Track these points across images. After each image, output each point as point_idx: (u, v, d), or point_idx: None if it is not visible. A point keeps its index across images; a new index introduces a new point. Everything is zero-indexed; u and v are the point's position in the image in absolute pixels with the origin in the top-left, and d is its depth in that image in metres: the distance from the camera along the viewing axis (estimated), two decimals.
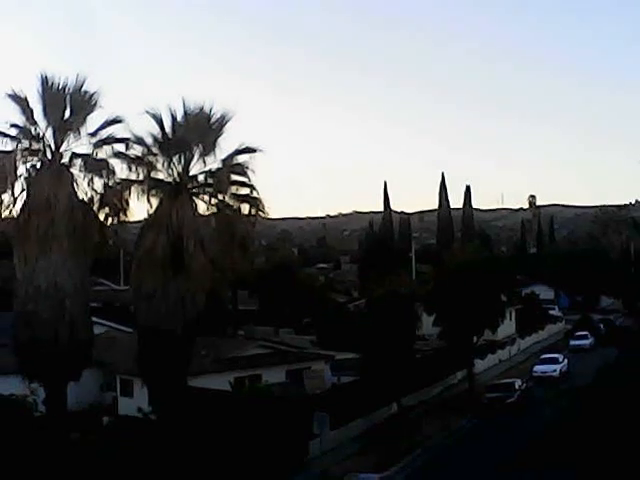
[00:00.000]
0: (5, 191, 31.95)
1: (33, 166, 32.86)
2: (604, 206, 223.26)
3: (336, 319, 65.30)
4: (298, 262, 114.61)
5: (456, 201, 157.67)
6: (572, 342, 78.43)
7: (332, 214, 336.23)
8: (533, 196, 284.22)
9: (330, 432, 38.28)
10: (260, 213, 34.64)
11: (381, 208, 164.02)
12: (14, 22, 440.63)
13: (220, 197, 33.73)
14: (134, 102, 35.94)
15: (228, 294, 65.79)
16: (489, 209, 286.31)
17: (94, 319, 44.43)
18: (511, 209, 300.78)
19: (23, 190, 32.23)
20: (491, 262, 68.02)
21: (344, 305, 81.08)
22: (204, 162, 33.58)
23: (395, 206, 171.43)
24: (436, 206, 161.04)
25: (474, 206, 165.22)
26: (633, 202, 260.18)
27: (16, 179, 32.16)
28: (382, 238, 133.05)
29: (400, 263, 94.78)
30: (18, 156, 32.28)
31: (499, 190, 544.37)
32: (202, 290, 33.36)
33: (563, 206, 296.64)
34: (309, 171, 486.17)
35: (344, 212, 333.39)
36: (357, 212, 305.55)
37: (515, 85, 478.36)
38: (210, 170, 33.57)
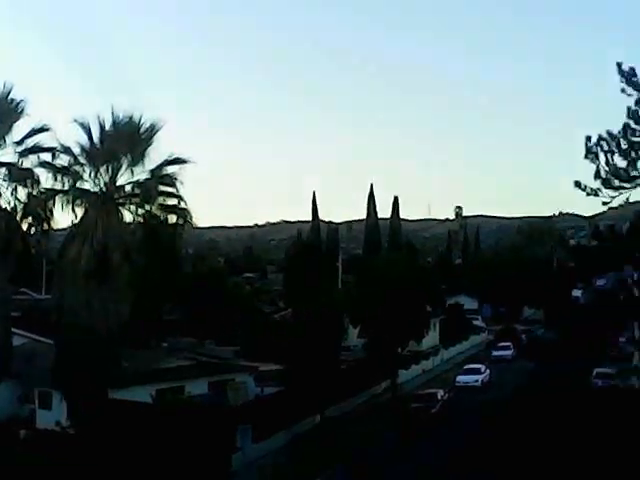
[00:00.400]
0: None
1: None
2: (529, 217, 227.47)
3: (261, 329, 65.27)
4: (225, 271, 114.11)
5: (384, 211, 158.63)
6: (494, 353, 79.46)
7: (260, 223, 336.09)
8: (459, 207, 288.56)
9: (253, 445, 38.23)
10: (188, 224, 34.54)
11: (309, 217, 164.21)
12: None
13: (147, 208, 33.51)
14: (62, 111, 35.68)
15: (153, 304, 65.20)
16: (416, 219, 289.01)
17: (14, 330, 43.63)
18: (438, 219, 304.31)
19: None
20: (416, 273, 68.70)
21: (270, 315, 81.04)
22: (132, 172, 33.37)
23: (323, 216, 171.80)
24: (364, 216, 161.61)
25: (402, 216, 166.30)
26: (557, 214, 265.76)
27: None
28: (309, 248, 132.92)
29: (327, 273, 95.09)
30: None
31: (427, 201, 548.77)
32: (126, 301, 33.10)
33: (489, 217, 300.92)
34: (237, 180, 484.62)
35: (272, 221, 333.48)
36: (285, 221, 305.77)
37: (444, 98, 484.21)
38: (138, 180, 33.34)
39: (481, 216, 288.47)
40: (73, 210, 32.75)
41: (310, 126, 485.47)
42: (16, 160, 32.95)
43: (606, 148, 30.86)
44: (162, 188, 33.65)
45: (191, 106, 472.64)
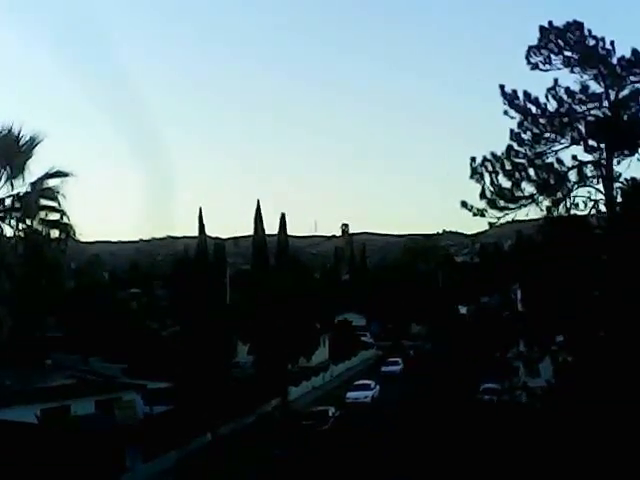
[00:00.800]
0: None
1: None
2: (413, 235, 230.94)
3: (149, 346, 63.97)
4: (110, 287, 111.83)
5: (271, 227, 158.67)
6: (383, 368, 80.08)
7: (145, 238, 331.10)
8: (346, 224, 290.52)
9: (143, 465, 37.19)
10: (71, 238, 33.51)
11: (196, 233, 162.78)
12: None
13: (28, 222, 32.34)
14: None
15: (36, 320, 63.15)
16: (303, 236, 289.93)
17: None
18: (325, 236, 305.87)
19: None
20: (304, 289, 68.68)
21: (157, 332, 79.54)
22: (12, 185, 32.17)
23: (210, 231, 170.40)
24: (251, 232, 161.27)
25: (289, 233, 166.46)
26: (440, 232, 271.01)
27: None
28: (196, 263, 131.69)
29: (215, 289, 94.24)
30: None
31: (313, 217, 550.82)
32: (6, 317, 31.79)
33: (375, 234, 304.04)
34: (122, 194, 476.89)
35: (158, 236, 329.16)
36: (171, 237, 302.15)
37: (328, 115, 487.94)
38: (18, 194, 32.15)
39: (367, 233, 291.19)
40: None
41: (196, 142, 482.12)
42: None
43: (490, 169, 31.34)
44: (44, 202, 32.62)
45: (76, 119, 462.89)
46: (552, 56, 32.16)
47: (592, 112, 31.77)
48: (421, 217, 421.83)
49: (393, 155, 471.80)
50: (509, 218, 32.58)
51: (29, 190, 32.47)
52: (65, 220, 33.05)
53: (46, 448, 33.78)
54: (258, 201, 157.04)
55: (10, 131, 32.02)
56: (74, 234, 33.34)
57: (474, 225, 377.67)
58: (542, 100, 31.87)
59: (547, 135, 32.02)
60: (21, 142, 32.14)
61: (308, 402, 61.59)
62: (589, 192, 31.55)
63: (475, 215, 31.55)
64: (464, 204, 31.56)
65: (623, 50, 31.91)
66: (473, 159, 31.46)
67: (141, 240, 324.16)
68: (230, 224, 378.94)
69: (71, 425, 37.79)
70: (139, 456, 36.99)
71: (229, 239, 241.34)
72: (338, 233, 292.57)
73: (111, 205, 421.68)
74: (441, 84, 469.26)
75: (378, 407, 59.43)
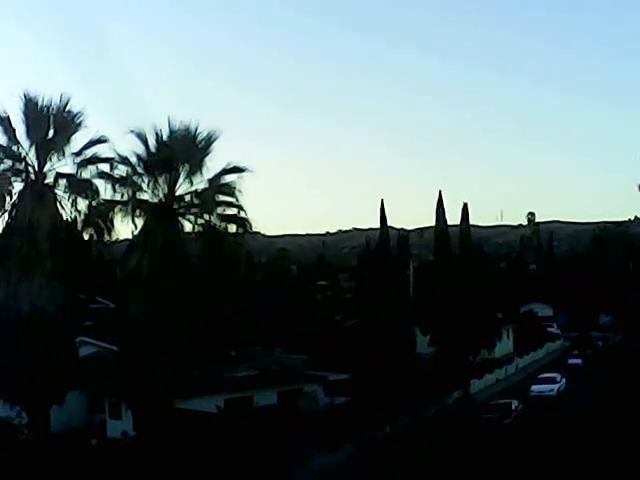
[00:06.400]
0: None
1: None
2: (603, 223, 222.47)
3: (331, 338, 64.70)
4: (297, 279, 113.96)
5: (456, 217, 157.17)
6: (570, 360, 77.76)
7: (332, 231, 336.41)
8: (532, 213, 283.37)
9: (319, 455, 37.55)
10: (248, 233, 34.26)
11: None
12: None
13: (206, 217, 33.30)
14: (121, 120, 35.59)
15: (220, 313, 65.06)
16: (488, 225, 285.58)
17: (85, 339, 43.69)
18: (510, 225, 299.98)
19: (5, 211, 31.90)
20: (487, 280, 67.52)
21: (340, 323, 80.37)
22: (190, 182, 33.22)
23: (395, 223, 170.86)
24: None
25: (474, 223, 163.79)
26: (632, 219, 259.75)
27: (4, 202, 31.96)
28: (379, 255, 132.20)
29: (397, 281, 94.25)
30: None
31: (498, 207, 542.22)
32: (190, 310, 32.90)
33: (562, 223, 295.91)
34: (309, 188, 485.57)
35: (343, 229, 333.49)
36: (356, 229, 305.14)
37: (513, 101, 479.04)
38: (196, 190, 33.14)
39: (554, 222, 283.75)
40: (133, 221, 32.77)
41: (379, 133, 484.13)
42: (75, 171, 33.05)
43: None
44: (221, 197, 33.48)
45: (258, 116, 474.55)
46: None
47: None
48: (612, 204, 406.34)
49: (580, 139, 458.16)
50: None
51: (207, 186, 33.38)
52: (242, 215, 33.80)
53: (228, 437, 34.82)
54: (440, 192, 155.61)
55: (188, 129, 33.01)
56: (251, 228, 34.06)
57: None
58: None
59: None
60: (198, 139, 33.07)
61: (491, 395, 60.39)
62: None
63: None
64: None
65: None
66: None
67: (327, 233, 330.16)
68: (416, 215, 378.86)
69: (251, 415, 38.72)
70: (317, 447, 37.34)
71: (414, 230, 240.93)
72: (524, 222, 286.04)
73: (299, 199, 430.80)
74: (619, 65, 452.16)
75: (564, 401, 57.60)
